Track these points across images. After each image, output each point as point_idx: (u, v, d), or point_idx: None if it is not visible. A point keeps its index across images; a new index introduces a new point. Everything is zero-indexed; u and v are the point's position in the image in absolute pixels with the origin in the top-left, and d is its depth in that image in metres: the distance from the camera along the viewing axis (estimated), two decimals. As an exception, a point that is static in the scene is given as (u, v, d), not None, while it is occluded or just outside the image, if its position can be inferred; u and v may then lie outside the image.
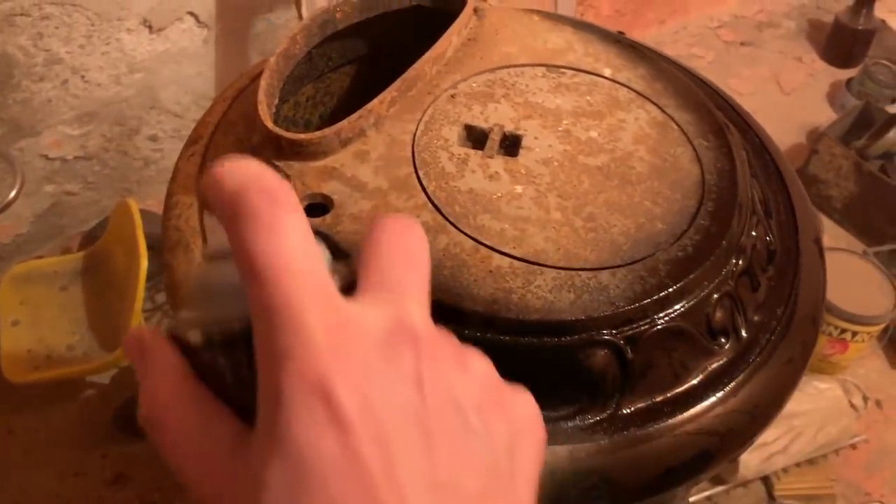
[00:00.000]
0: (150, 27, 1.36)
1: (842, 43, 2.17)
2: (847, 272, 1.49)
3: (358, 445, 0.22)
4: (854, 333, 1.44)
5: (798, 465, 1.40)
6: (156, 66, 1.42)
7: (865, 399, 1.42)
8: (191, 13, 1.39)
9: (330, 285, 0.24)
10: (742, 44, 2.27)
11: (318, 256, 0.24)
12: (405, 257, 0.26)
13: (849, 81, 2.06)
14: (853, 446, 1.44)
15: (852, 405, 1.41)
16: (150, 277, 1.36)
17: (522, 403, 0.26)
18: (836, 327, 1.43)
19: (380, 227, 0.26)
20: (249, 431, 0.24)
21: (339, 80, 0.69)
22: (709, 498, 1.35)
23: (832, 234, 1.77)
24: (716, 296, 0.50)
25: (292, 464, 0.22)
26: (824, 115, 2.02)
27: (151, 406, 0.25)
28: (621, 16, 2.06)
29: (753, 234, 0.54)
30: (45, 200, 1.50)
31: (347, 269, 0.27)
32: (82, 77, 1.35)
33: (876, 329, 1.46)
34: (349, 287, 0.26)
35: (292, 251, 0.23)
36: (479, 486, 0.23)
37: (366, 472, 0.22)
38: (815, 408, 1.39)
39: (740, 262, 0.52)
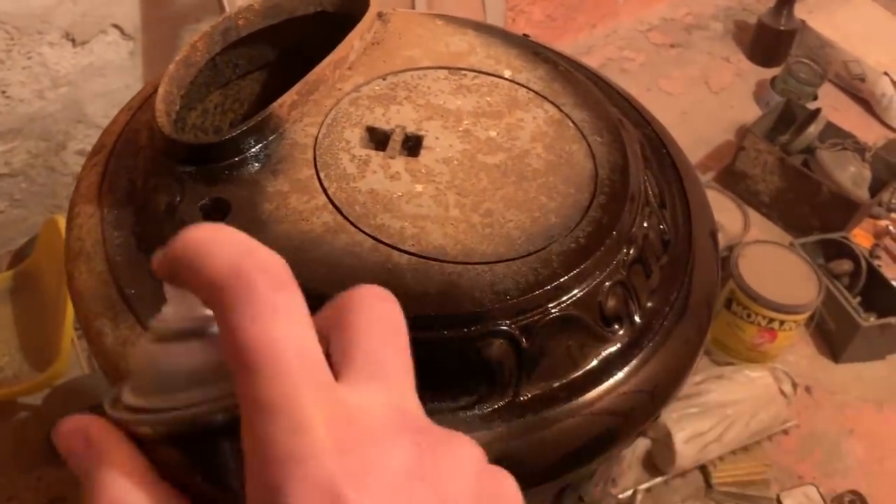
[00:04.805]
0: (72, 40, 1.34)
1: (765, 43, 2.24)
2: (774, 263, 1.55)
3: None
4: (782, 322, 1.49)
5: (733, 452, 1.44)
6: (80, 80, 1.40)
7: (795, 386, 1.47)
8: (115, 25, 1.38)
9: (328, 374, 0.22)
10: (671, 46, 2.33)
11: (316, 341, 0.22)
12: (391, 337, 0.24)
13: (773, 80, 2.13)
14: (785, 432, 1.48)
15: (782, 392, 1.46)
16: (81, 294, 1.33)
17: (510, 485, 0.25)
18: (764, 317, 1.48)
19: (354, 301, 0.25)
20: None
21: (248, 86, 0.70)
22: (648, 490, 1.38)
23: (761, 226, 1.83)
24: (607, 284, 0.52)
25: None
26: (751, 113, 2.08)
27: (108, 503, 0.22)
28: (552, 20, 2.09)
29: (645, 224, 0.56)
30: (-29, 220, 1.46)
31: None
32: (3, 93, 1.32)
33: (802, 317, 1.51)
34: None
35: (292, 339, 0.22)
36: None
37: None
38: (747, 396, 1.43)
39: (632, 251, 0.54)
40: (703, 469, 1.42)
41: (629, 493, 1.37)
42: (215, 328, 0.23)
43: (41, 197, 1.51)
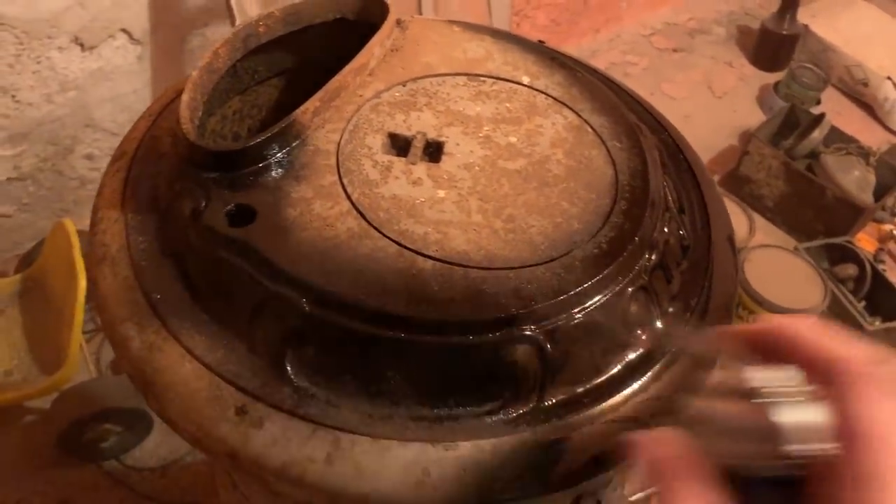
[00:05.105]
0: (81, 45, 1.35)
1: (769, 47, 2.25)
2: (779, 268, 1.55)
3: None
4: (787, 326, 1.49)
5: (739, 456, 1.44)
6: (89, 85, 1.40)
7: (800, 389, 1.47)
8: (123, 30, 1.38)
9: None
10: (675, 50, 2.34)
11: None
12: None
13: (776, 84, 2.14)
14: (791, 435, 1.48)
15: (788, 395, 1.46)
16: (89, 298, 1.34)
17: None
18: (770, 321, 1.48)
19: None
20: None
21: (266, 92, 0.70)
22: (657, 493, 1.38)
23: (765, 231, 1.84)
24: (630, 289, 0.52)
25: None
26: (755, 117, 2.09)
27: None
28: (557, 25, 2.10)
29: (666, 229, 0.56)
30: (-22, 224, 1.47)
31: None
32: (13, 97, 1.33)
33: (808, 321, 1.51)
34: None
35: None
36: None
37: None
38: (753, 400, 1.43)
39: (653, 256, 0.54)
40: (709, 472, 1.42)
41: (641, 495, 1.37)
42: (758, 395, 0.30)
43: (49, 201, 1.51)
